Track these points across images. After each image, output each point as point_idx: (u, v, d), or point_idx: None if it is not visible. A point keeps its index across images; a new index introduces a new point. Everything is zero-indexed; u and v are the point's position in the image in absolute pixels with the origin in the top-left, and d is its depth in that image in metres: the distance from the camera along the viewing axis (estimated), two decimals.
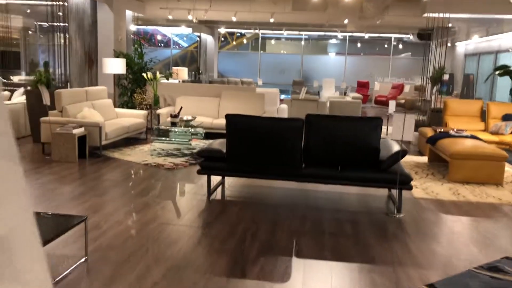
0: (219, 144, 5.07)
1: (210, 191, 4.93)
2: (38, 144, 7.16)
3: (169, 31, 22.97)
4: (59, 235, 2.89)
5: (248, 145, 4.63)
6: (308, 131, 4.72)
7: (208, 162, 4.81)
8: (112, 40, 9.93)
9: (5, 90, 10.91)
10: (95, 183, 5.25)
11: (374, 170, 4.61)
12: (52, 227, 3.01)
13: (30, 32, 15.79)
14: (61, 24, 8.84)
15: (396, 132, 4.44)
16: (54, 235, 2.85)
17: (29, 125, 7.73)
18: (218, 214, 4.38)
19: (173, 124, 7.40)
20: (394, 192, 5.09)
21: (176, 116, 7.36)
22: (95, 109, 7.43)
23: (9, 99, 8.44)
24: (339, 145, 4.64)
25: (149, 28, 22.47)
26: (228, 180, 5.56)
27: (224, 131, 4.87)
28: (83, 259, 3.17)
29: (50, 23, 9.02)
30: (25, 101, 7.76)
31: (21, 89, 8.53)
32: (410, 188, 4.61)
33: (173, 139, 7.46)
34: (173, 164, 6.43)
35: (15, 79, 13.63)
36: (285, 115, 10.47)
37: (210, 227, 4.01)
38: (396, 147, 4.72)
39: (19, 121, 7.88)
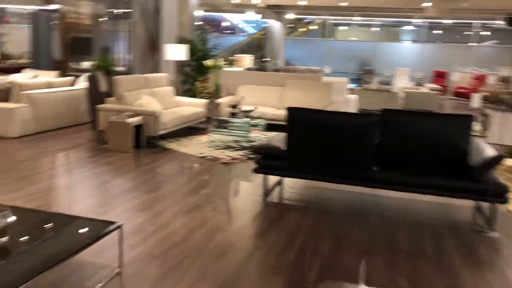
0: (279, 140, 4.54)
1: (266, 193, 4.43)
2: (97, 131, 7.03)
3: (237, 18, 22.67)
4: (89, 244, 2.52)
5: (311, 142, 4.06)
6: (382, 128, 4.06)
7: (265, 160, 4.30)
8: (176, 25, 9.66)
9: (71, 75, 11.08)
10: (147, 177, 4.93)
11: (462, 178, 3.87)
12: (84, 234, 2.65)
13: (101, 19, 16.07)
14: (127, 10, 8.70)
15: (493, 133, 3.67)
16: (84, 244, 2.49)
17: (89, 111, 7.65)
18: (274, 220, 3.87)
19: (233, 114, 6.97)
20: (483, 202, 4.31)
21: (236, 106, 6.91)
22: (155, 97, 7.17)
23: (72, 84, 8.41)
24: (419, 146, 3.94)
25: (217, 14, 22.28)
26: (287, 181, 5.03)
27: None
28: (116, 271, 2.80)
29: (117, 9, 8.91)
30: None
31: (86, 75, 8.48)
32: (506, 201, 3.83)
33: (232, 131, 7.04)
34: (230, 158, 6.00)
35: (86, 64, 13.92)
36: (353, 106, 9.72)
37: (265, 237, 3.51)
38: (489, 151, 3.94)
39: (80, 107, 7.82)
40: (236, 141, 6.96)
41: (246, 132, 6.81)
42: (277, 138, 4.61)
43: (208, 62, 8.72)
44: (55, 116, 7.20)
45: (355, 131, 3.94)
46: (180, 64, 9.28)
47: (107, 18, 12.40)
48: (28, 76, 8.47)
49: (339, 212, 4.16)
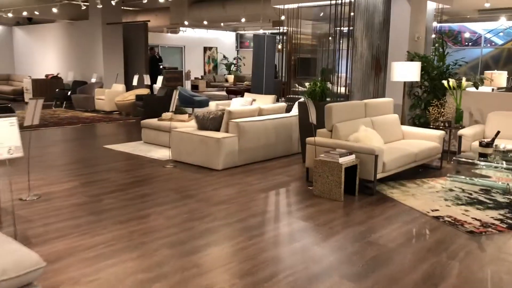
0: None
1: None
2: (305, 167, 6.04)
3: (479, 27, 19.41)
4: None
5: None
6: None
7: None
8: (407, 40, 8.07)
9: (291, 98, 10.57)
10: (357, 248, 3.57)
11: None
12: None
13: (325, 39, 15.56)
14: (350, 28, 7.64)
15: None
16: None
17: (299, 142, 6.76)
18: None
19: (483, 155, 5.03)
20: None
21: (489, 144, 4.96)
22: (375, 128, 5.79)
23: (288, 110, 7.70)
24: None
25: (455, 25, 19.48)
26: None
27: None
28: None
29: (340, 27, 7.96)
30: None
31: (299, 100, 7.69)
32: None
33: (480, 178, 5.10)
34: (480, 223, 4.14)
35: (307, 86, 13.51)
36: None
37: None
38: None
39: (292, 136, 7.01)
40: (486, 192, 5.01)
41: (506, 184, 4.80)
42: None
43: (449, 82, 6.88)
44: (263, 146, 6.53)
45: None
46: (409, 85, 7.66)
47: (330, 38, 11.61)
48: (245, 101, 8.16)
49: None
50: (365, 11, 7.75)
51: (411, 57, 7.64)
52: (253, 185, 5.32)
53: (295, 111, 7.35)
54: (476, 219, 4.24)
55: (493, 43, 20.34)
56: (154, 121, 7.63)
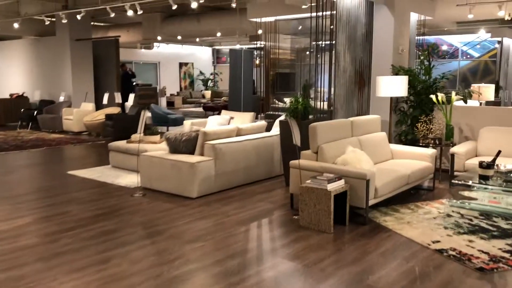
0: None
1: None
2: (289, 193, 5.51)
3: (456, 40, 19.46)
4: None
5: None
6: None
7: None
8: (391, 53, 7.70)
9: (270, 115, 10.10)
10: None
11: None
12: None
13: (304, 53, 15.22)
14: (332, 42, 7.24)
15: None
16: None
17: (282, 163, 6.24)
18: None
19: (484, 178, 4.59)
20: None
21: (490, 165, 4.52)
22: (363, 148, 5.32)
23: (268, 128, 7.20)
24: None
25: (432, 38, 19.47)
26: None
27: None
28: None
29: (321, 41, 7.55)
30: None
31: (280, 119, 7.19)
32: None
33: (481, 203, 4.66)
34: (488, 256, 3.67)
35: (288, 101, 13.06)
36: None
37: None
38: None
39: (273, 157, 6.48)
40: (487, 217, 4.56)
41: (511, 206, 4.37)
42: None
43: (438, 97, 6.50)
44: (242, 169, 5.98)
45: None
46: (395, 101, 7.26)
47: (309, 52, 11.21)
48: (223, 119, 7.62)
49: None
50: (347, 24, 7.35)
51: (396, 71, 7.26)
52: (232, 215, 4.76)
53: (275, 129, 6.85)
54: (483, 252, 3.76)
55: (469, 56, 20.41)
56: (122, 143, 7.02)
